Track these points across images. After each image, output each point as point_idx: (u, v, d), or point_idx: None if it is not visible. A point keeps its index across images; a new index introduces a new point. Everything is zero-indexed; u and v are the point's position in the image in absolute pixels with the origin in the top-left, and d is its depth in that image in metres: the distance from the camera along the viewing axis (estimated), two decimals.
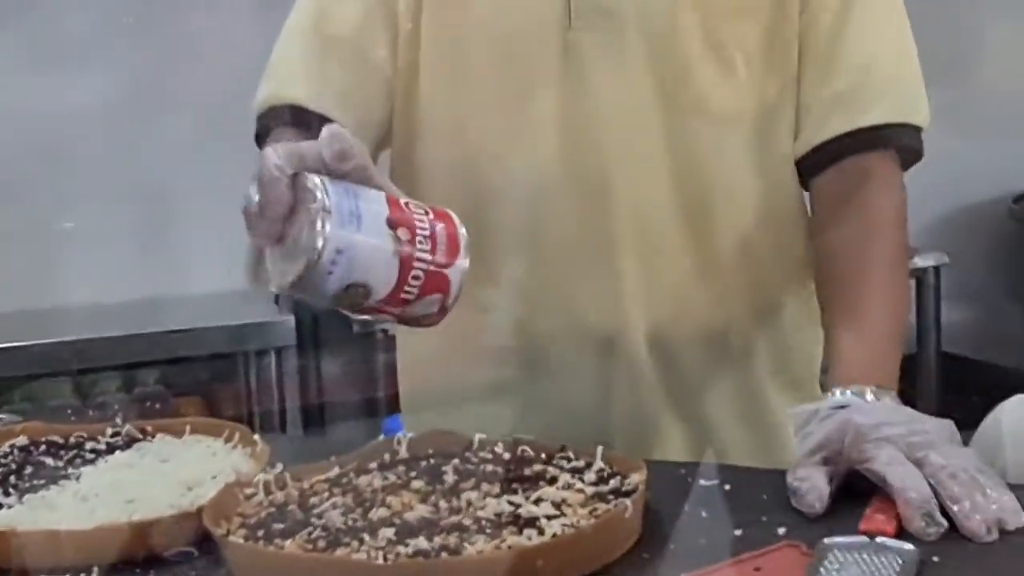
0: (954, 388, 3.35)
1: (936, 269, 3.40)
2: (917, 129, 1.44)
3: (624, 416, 1.44)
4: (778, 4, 1.40)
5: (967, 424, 1.27)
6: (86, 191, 3.12)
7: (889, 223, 1.41)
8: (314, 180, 1.05)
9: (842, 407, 1.23)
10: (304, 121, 1.38)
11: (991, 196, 3.66)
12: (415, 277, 1.06)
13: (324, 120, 1.34)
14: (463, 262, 1.08)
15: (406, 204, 1.08)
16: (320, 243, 1.02)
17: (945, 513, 1.11)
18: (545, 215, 1.41)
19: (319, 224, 1.02)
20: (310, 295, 1.05)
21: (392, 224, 1.05)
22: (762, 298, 1.47)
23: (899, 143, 1.43)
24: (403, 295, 1.06)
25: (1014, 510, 1.12)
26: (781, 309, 1.49)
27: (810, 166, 1.43)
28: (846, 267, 1.39)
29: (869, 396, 1.25)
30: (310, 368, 3.16)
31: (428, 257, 1.06)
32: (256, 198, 1.05)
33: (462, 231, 1.09)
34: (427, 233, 1.06)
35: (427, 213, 1.08)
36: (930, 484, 1.12)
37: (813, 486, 1.16)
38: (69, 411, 2.81)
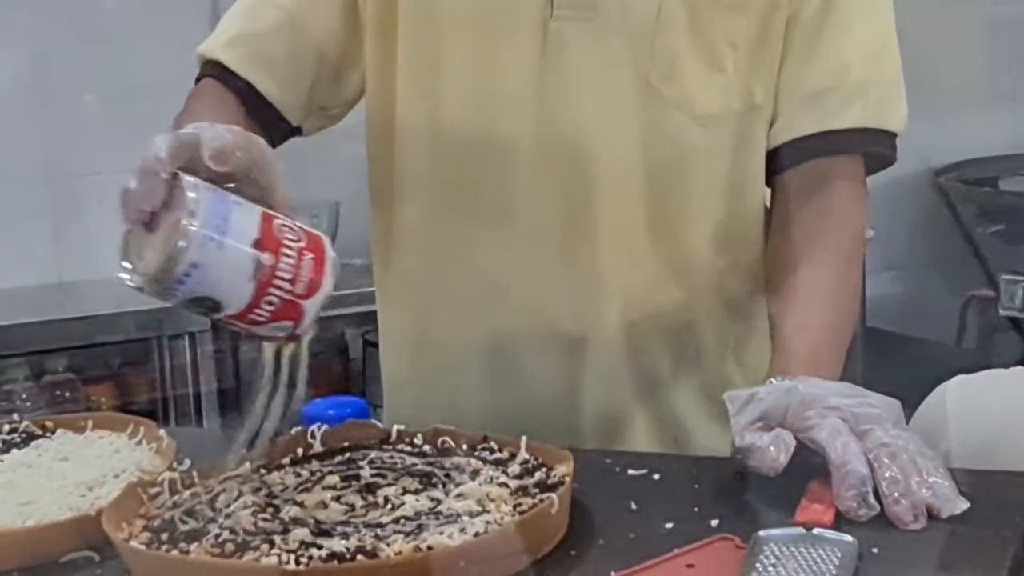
0: (879, 362, 3.35)
1: None
2: (890, 135, 1.42)
3: (594, 407, 1.40)
4: None
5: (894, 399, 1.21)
6: None
7: (845, 228, 1.39)
8: (191, 183, 1.01)
9: None
10: (228, 79, 1.40)
11: (915, 170, 3.66)
12: (269, 303, 1.03)
13: (246, 83, 1.39)
14: (321, 294, 1.05)
15: (281, 225, 1.04)
16: (177, 252, 0.99)
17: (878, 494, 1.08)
18: (522, 209, 1.37)
19: (181, 232, 0.99)
20: (158, 295, 1.03)
21: (258, 246, 1.02)
22: (732, 291, 1.44)
23: (868, 149, 1.41)
24: (252, 316, 1.03)
25: (948, 498, 1.09)
26: (750, 301, 1.45)
27: (775, 162, 1.41)
28: (797, 266, 1.36)
29: None
30: (225, 353, 3.10)
31: (287, 287, 1.03)
32: (132, 184, 1.01)
33: (330, 263, 1.06)
34: (292, 262, 1.03)
35: (299, 240, 1.05)
36: (868, 461, 1.09)
37: (776, 437, 1.12)
38: None
